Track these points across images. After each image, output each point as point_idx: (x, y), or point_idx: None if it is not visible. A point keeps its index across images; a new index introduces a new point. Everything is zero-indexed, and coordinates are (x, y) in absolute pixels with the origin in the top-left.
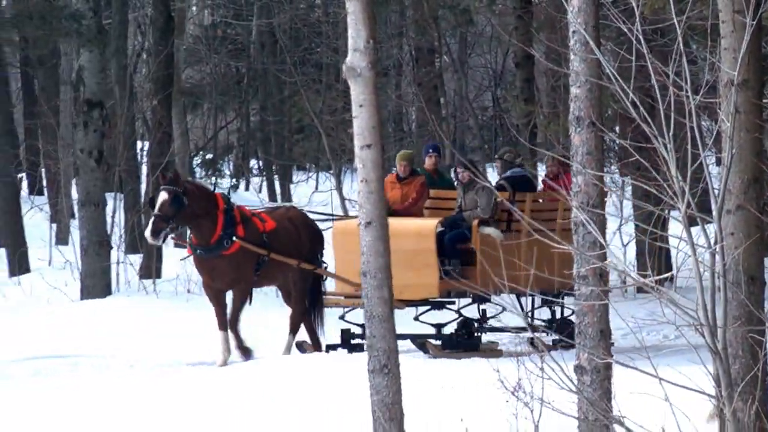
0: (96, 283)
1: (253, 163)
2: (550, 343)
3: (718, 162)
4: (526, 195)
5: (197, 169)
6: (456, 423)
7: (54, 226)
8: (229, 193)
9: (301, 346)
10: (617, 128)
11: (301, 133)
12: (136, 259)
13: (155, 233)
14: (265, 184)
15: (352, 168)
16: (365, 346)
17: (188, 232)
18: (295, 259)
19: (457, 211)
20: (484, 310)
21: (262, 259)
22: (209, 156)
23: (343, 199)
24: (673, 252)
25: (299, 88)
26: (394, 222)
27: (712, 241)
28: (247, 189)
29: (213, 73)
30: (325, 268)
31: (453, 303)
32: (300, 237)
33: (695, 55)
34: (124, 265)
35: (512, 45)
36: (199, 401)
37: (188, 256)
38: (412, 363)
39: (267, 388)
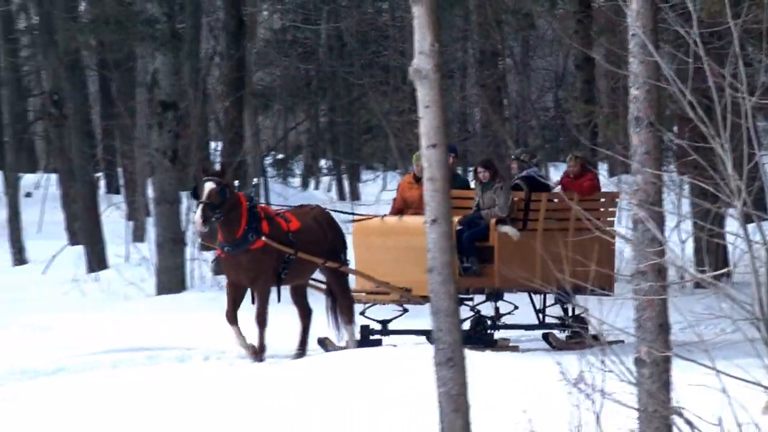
0: (171, 278)
1: (322, 162)
2: (564, 340)
3: None
4: (542, 195)
5: (269, 169)
6: (519, 414)
7: (130, 223)
8: (252, 194)
9: (323, 343)
10: (675, 128)
11: (368, 133)
12: (210, 255)
13: (205, 220)
14: (334, 183)
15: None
16: (433, 339)
17: (217, 234)
18: (320, 258)
19: (475, 210)
20: (497, 308)
21: (288, 257)
22: (280, 156)
23: None
24: (729, 248)
25: (367, 89)
26: (413, 220)
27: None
28: (316, 188)
29: (283, 75)
30: (343, 264)
31: (471, 299)
32: (325, 236)
33: (751, 58)
34: (198, 262)
35: (573, 48)
36: (271, 393)
37: (217, 258)
38: (477, 356)
39: (340, 381)
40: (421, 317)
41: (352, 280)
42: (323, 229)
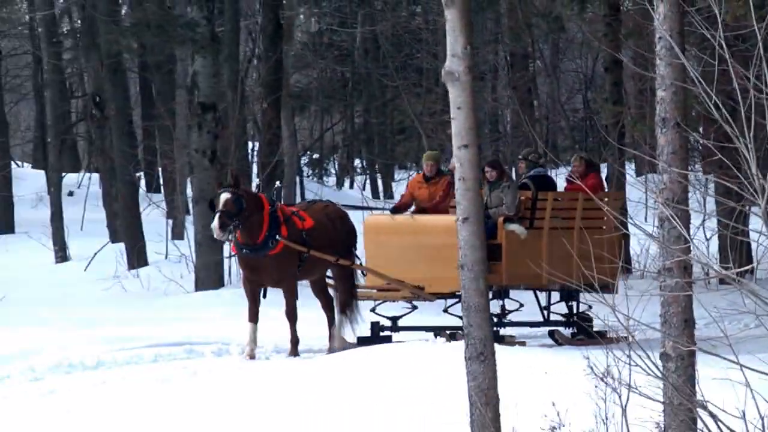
0: (209, 275)
1: (357, 162)
2: (569, 336)
3: None
4: (548, 194)
5: (305, 168)
6: (548, 406)
7: (170, 221)
8: (274, 194)
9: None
10: (701, 129)
11: (402, 133)
12: None
13: (222, 227)
14: (368, 182)
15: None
16: (463, 334)
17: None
18: (333, 256)
19: (482, 209)
20: (503, 305)
21: (302, 255)
22: (316, 156)
23: None
24: (753, 246)
25: (401, 91)
26: (424, 218)
27: None
28: (351, 187)
29: (319, 77)
30: (360, 263)
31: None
32: (337, 232)
33: None
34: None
35: (601, 50)
36: (307, 386)
37: (233, 255)
38: (507, 351)
39: (372, 375)
40: (429, 314)
41: (361, 276)
42: (335, 225)
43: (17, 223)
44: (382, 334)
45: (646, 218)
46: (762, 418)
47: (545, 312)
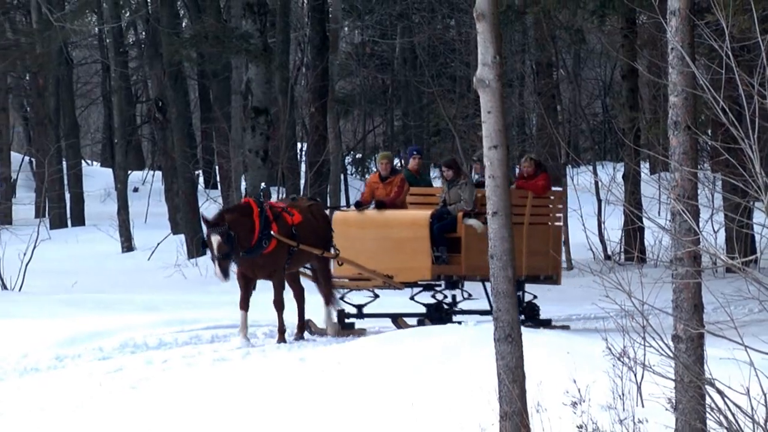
0: None
1: (396, 161)
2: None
3: None
4: None
5: (348, 167)
6: (569, 383)
7: None
8: (261, 195)
9: (307, 324)
10: (709, 131)
11: (437, 135)
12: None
13: (225, 273)
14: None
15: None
16: (492, 318)
17: None
18: (319, 249)
19: (441, 205)
20: (454, 295)
21: (292, 249)
22: (359, 155)
23: None
24: (757, 237)
25: (436, 97)
26: (391, 214)
27: None
28: None
29: (362, 84)
30: (337, 254)
31: (440, 285)
32: (320, 228)
33: None
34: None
35: (619, 60)
36: (356, 366)
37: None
38: (532, 334)
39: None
40: (388, 303)
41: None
42: (318, 221)
43: (87, 217)
44: (346, 320)
45: (659, 213)
46: (765, 394)
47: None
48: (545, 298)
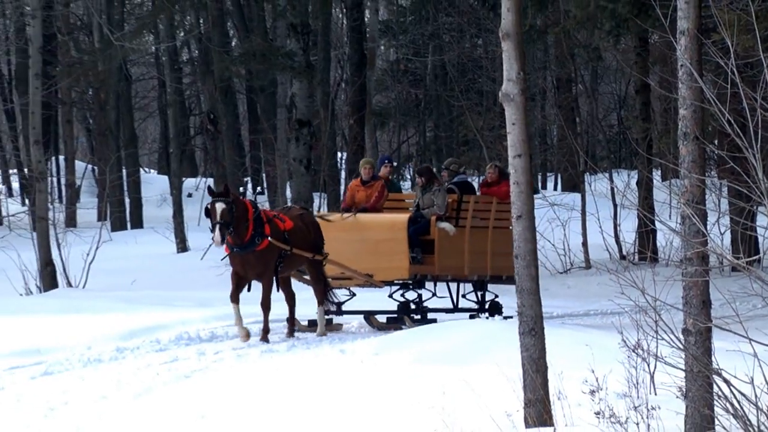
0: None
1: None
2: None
3: None
4: (470, 197)
5: None
6: (588, 373)
7: None
8: (256, 198)
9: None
10: (716, 141)
11: (466, 145)
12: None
13: (222, 238)
14: None
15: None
16: (516, 313)
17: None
18: (310, 253)
19: (415, 210)
20: (420, 294)
21: (284, 252)
22: (394, 164)
23: None
24: (760, 239)
25: (465, 110)
26: (371, 217)
27: None
28: None
29: (397, 98)
30: (326, 256)
31: (423, 285)
32: (311, 235)
33: None
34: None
35: (633, 76)
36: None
37: (226, 256)
38: (553, 327)
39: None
40: (364, 301)
41: None
42: (309, 228)
43: (145, 220)
44: (326, 317)
45: (670, 216)
46: (767, 384)
47: (455, 300)
48: (566, 294)
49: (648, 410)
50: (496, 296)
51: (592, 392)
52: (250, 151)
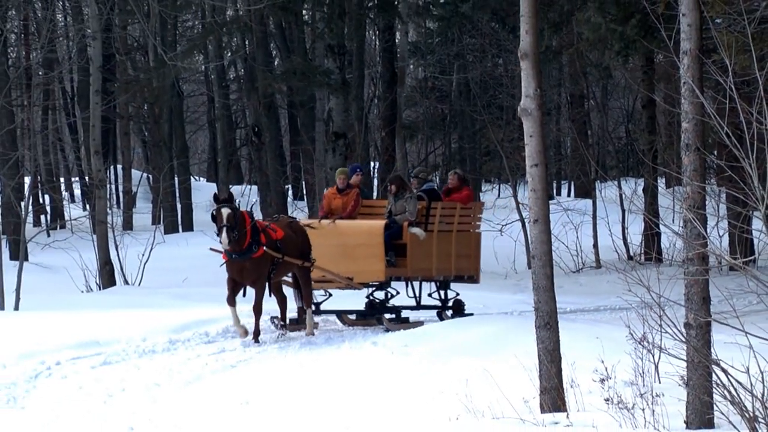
0: None
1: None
2: (452, 317)
3: None
4: (437, 203)
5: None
6: (598, 363)
7: None
8: (251, 209)
9: (273, 321)
10: (715, 152)
11: (488, 155)
12: None
13: (229, 240)
14: None
15: (524, 181)
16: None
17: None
18: (300, 260)
19: (388, 216)
20: (387, 293)
21: (277, 260)
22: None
23: (517, 203)
24: (755, 241)
25: (486, 123)
26: (349, 224)
27: None
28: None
29: (425, 112)
30: (313, 262)
31: (389, 285)
32: (299, 242)
33: None
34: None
35: (640, 92)
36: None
37: (224, 263)
38: (566, 321)
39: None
40: (338, 301)
41: None
42: (298, 236)
43: (195, 224)
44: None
45: (673, 220)
46: (762, 373)
47: (417, 299)
48: (578, 291)
49: (653, 397)
50: (457, 294)
51: (602, 381)
52: (290, 161)
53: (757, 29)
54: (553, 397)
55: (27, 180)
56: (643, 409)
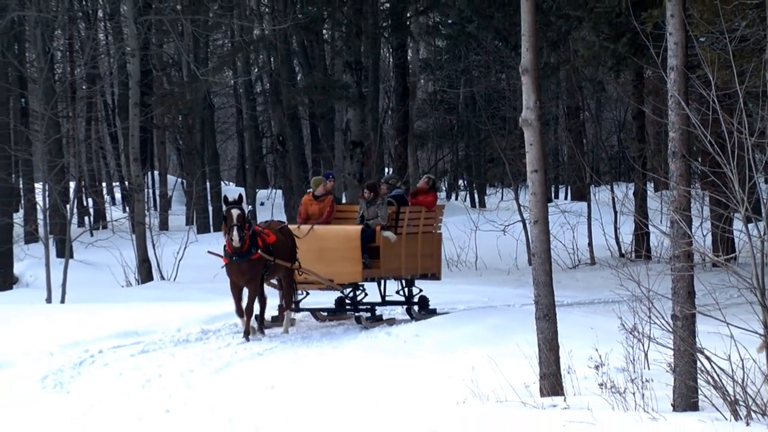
0: None
1: (460, 182)
2: (419, 312)
3: (766, 181)
4: (405, 208)
5: None
6: (593, 351)
7: None
8: (248, 215)
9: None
10: (699, 159)
11: (491, 162)
12: None
13: (239, 238)
14: (467, 195)
15: (525, 185)
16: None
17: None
18: (289, 263)
19: (359, 220)
20: (355, 292)
21: (269, 263)
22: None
23: (519, 205)
24: (736, 240)
25: (490, 133)
26: (328, 229)
27: (762, 233)
28: (456, 199)
29: (434, 123)
30: (300, 266)
31: (363, 285)
32: (288, 245)
33: (751, 111)
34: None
35: (630, 104)
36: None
37: (225, 265)
38: (564, 313)
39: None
40: (315, 299)
41: None
42: (287, 240)
43: None
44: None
45: (661, 221)
46: (742, 360)
47: (383, 296)
48: (574, 286)
49: (642, 382)
50: (421, 290)
51: (596, 367)
52: (312, 167)
53: (737, 47)
54: (552, 383)
55: (72, 185)
56: (633, 393)
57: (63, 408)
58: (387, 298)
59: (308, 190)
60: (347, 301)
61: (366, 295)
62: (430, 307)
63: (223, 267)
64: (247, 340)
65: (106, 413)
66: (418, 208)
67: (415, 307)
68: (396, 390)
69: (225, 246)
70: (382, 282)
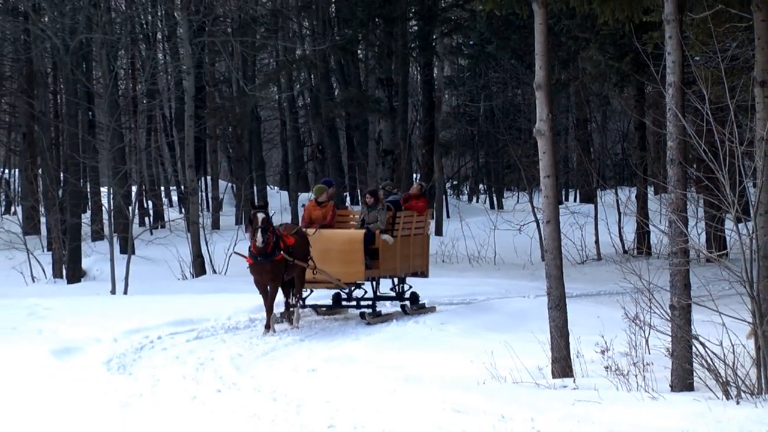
0: None
1: (481, 186)
2: (410, 307)
3: (755, 185)
4: (400, 213)
5: (448, 190)
6: (599, 337)
7: None
8: (271, 221)
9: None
10: (695, 166)
11: (508, 168)
12: None
13: (263, 239)
14: (487, 198)
15: (538, 189)
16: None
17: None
18: (305, 263)
19: (360, 224)
20: (351, 289)
21: (288, 263)
22: (455, 182)
23: (533, 207)
24: (727, 238)
25: (508, 142)
26: (333, 233)
27: (750, 231)
28: (477, 201)
29: (457, 133)
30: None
31: (362, 284)
32: (304, 246)
33: (741, 123)
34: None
35: (633, 116)
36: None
37: (249, 265)
38: (573, 303)
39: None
40: (318, 296)
41: None
42: (303, 241)
43: None
44: (291, 309)
45: (660, 221)
46: (733, 345)
47: (375, 293)
48: (583, 279)
49: (644, 365)
50: (410, 287)
51: (602, 352)
52: (348, 173)
53: (729, 65)
54: (563, 366)
55: (134, 188)
56: (635, 375)
57: (126, 388)
58: (378, 294)
59: (311, 197)
60: (344, 296)
61: (365, 292)
62: (420, 302)
63: (248, 267)
64: (274, 332)
65: (164, 393)
66: (411, 212)
67: (407, 303)
68: (423, 372)
69: (250, 247)
70: (377, 280)
